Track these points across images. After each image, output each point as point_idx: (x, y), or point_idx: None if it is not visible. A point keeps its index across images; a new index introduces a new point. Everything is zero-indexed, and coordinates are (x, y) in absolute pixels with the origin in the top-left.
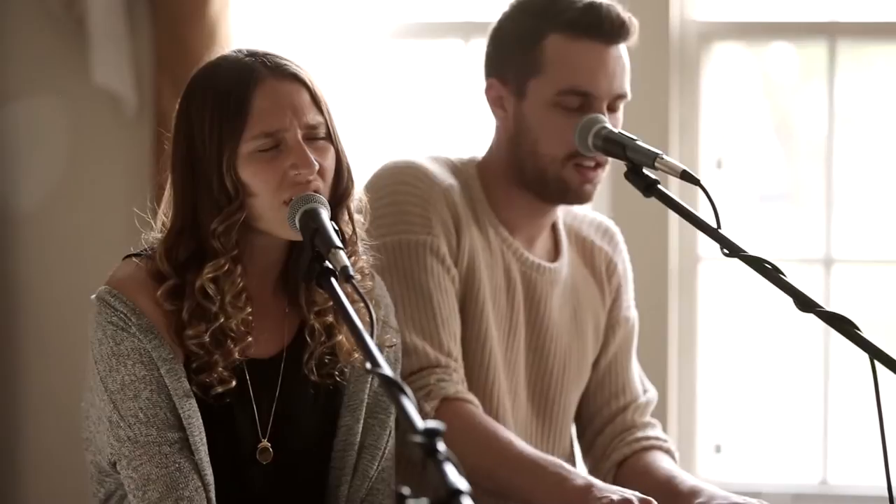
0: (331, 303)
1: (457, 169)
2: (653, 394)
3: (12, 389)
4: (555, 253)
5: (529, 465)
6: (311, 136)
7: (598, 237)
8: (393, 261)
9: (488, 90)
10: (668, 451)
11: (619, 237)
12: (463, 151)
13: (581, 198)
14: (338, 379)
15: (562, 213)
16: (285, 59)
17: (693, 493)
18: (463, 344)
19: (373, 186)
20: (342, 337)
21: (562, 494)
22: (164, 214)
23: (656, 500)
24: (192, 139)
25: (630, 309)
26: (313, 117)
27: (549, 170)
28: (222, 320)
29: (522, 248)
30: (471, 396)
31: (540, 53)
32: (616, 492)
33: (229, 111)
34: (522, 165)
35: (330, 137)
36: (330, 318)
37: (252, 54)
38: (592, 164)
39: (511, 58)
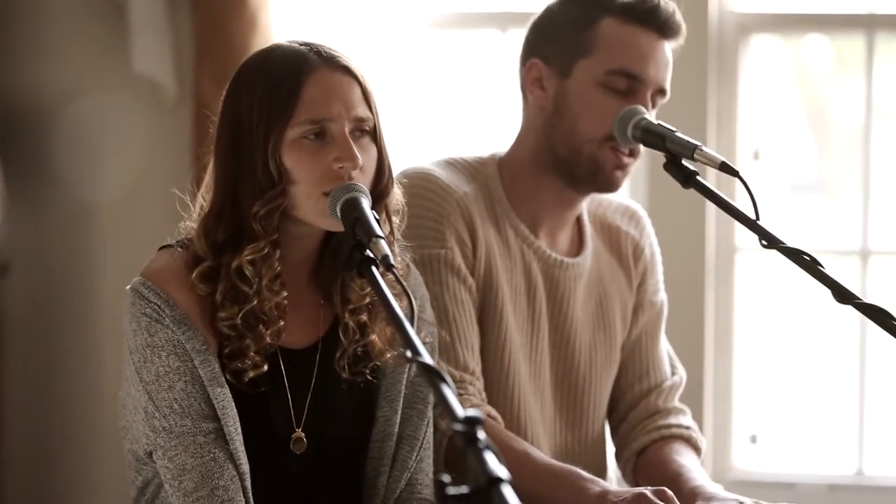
0: (365, 301)
1: (474, 170)
2: (681, 377)
3: (87, 379)
4: (579, 245)
5: (547, 474)
6: (356, 130)
7: (625, 222)
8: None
9: (528, 70)
10: (688, 440)
11: (646, 221)
12: (483, 149)
13: (611, 184)
14: (369, 377)
15: (587, 203)
16: (339, 53)
17: (693, 495)
18: (483, 351)
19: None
20: (375, 336)
21: (579, 502)
22: (202, 198)
23: None
24: (239, 122)
25: (658, 293)
26: (362, 112)
27: (584, 149)
28: (255, 303)
29: (544, 245)
30: (488, 409)
31: (593, 35)
32: (629, 493)
33: (280, 96)
34: (556, 147)
35: (375, 135)
36: (364, 317)
37: (307, 45)
38: (627, 150)
39: (559, 39)
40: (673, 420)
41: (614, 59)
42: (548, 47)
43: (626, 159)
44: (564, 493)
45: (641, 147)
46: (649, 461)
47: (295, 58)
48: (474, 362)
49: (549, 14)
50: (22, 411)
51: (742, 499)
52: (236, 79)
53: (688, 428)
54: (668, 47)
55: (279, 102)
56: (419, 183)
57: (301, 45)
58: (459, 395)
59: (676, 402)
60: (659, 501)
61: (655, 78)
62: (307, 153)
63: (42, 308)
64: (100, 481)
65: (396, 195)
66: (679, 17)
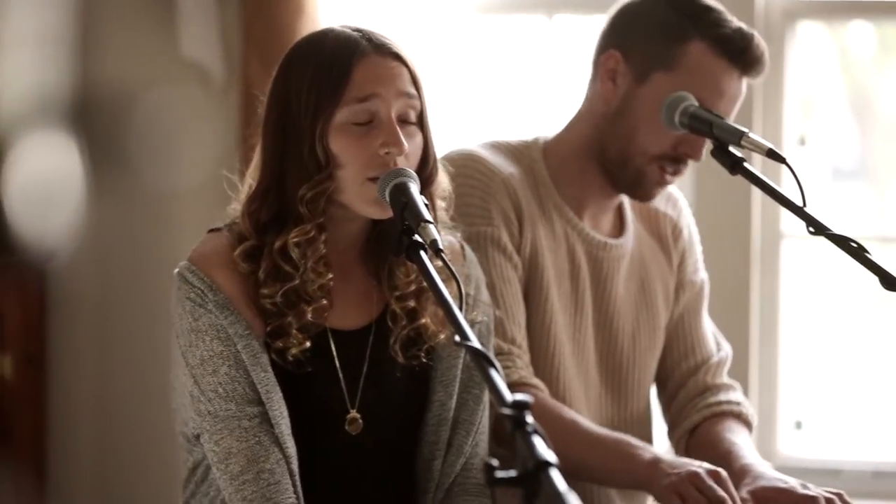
0: (411, 288)
1: (519, 153)
2: (727, 352)
3: (154, 364)
4: (620, 227)
5: (597, 443)
6: (403, 117)
7: (663, 204)
8: None
9: (606, 59)
10: (739, 416)
11: (683, 201)
12: (526, 133)
13: (648, 196)
14: (424, 360)
15: None
16: (390, 40)
17: (742, 473)
18: (527, 331)
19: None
20: (426, 320)
21: (630, 469)
22: (250, 177)
23: None
24: (287, 104)
25: (697, 272)
26: (409, 97)
27: (634, 160)
28: (297, 283)
29: (588, 227)
30: (536, 381)
31: (680, 53)
32: (684, 465)
33: (330, 79)
34: (607, 145)
35: (421, 123)
36: (412, 303)
37: (359, 30)
38: (672, 170)
39: (646, 41)
40: (723, 396)
41: (693, 86)
42: (632, 43)
43: (669, 178)
44: (615, 460)
45: (689, 166)
46: (701, 439)
47: (347, 43)
48: (521, 336)
49: (640, 10)
50: (86, 395)
51: (787, 478)
52: (287, 61)
53: (738, 404)
54: (745, 83)
55: (329, 85)
56: (465, 163)
57: (353, 30)
58: (507, 368)
59: (725, 378)
60: (712, 482)
61: (724, 113)
62: (354, 137)
63: (107, 293)
64: (157, 462)
65: (443, 182)
66: (767, 57)
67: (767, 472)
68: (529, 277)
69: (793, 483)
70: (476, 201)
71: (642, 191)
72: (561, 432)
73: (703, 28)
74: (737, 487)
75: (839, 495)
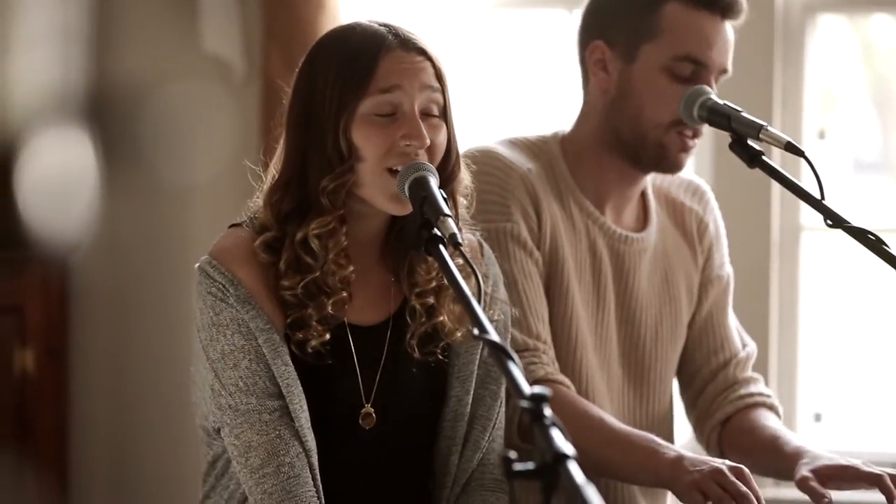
0: (431, 284)
1: (537, 149)
2: (752, 348)
3: (170, 357)
4: (644, 220)
5: (621, 440)
6: (427, 111)
7: (688, 198)
8: None
9: (591, 52)
10: (771, 407)
11: (710, 195)
12: (544, 128)
13: (676, 166)
14: (441, 357)
15: (651, 178)
16: (416, 35)
17: (798, 454)
18: (550, 326)
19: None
20: (444, 317)
21: (653, 468)
22: (273, 168)
23: (760, 459)
24: (312, 95)
25: (724, 267)
26: (433, 91)
27: (650, 135)
28: (318, 274)
29: (609, 221)
30: (561, 377)
31: (658, 20)
32: (706, 462)
33: (355, 71)
34: (620, 130)
35: (445, 118)
36: (431, 300)
37: (385, 25)
38: (691, 132)
39: (623, 22)
40: (754, 389)
41: (680, 45)
42: (611, 30)
43: (690, 142)
44: (639, 457)
45: (705, 126)
46: (738, 428)
47: (373, 37)
48: (545, 331)
49: None
50: (107, 388)
51: (845, 460)
52: (313, 53)
53: (769, 396)
54: (730, 27)
55: (354, 77)
56: (483, 160)
57: (380, 25)
58: (532, 364)
59: (751, 372)
60: (735, 479)
61: (719, 61)
62: (376, 128)
63: (127, 287)
64: (177, 456)
65: (465, 179)
66: None
67: (824, 454)
68: (550, 273)
69: (854, 461)
70: (495, 198)
71: (668, 161)
72: (586, 430)
73: None
74: (790, 469)
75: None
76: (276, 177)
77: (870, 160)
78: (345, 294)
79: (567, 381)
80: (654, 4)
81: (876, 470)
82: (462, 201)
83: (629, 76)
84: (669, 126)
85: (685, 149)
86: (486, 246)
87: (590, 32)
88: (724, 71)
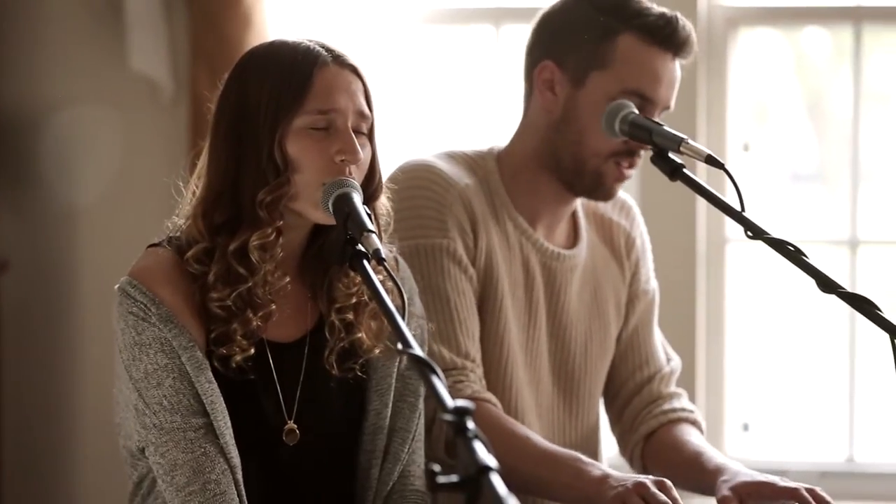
0: (351, 301)
1: (474, 164)
2: (676, 362)
3: (75, 376)
4: (574, 237)
5: (547, 458)
6: (356, 129)
7: (616, 213)
8: (409, 265)
9: (541, 71)
10: (694, 423)
11: (636, 211)
12: (481, 143)
13: (609, 195)
14: (359, 373)
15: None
16: (346, 53)
17: (718, 471)
18: (481, 341)
19: (388, 189)
20: (362, 334)
21: (579, 486)
22: (194, 184)
23: (683, 475)
24: (244, 108)
25: (649, 282)
26: (364, 111)
27: (589, 162)
28: (249, 285)
29: (542, 238)
30: (489, 395)
31: (611, 49)
32: (630, 479)
33: (291, 85)
34: (559, 153)
35: (370, 137)
36: (349, 316)
37: (315, 41)
38: (628, 163)
39: (575, 45)
40: (677, 404)
41: (631, 79)
42: (562, 51)
43: (627, 172)
44: (565, 476)
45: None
46: (661, 443)
47: (306, 52)
48: (475, 350)
49: (563, 16)
50: (16, 408)
51: (764, 474)
52: (241, 68)
53: (692, 411)
54: (679, 65)
55: (290, 91)
56: (421, 174)
57: (311, 41)
58: (460, 382)
59: (675, 388)
60: (658, 492)
61: (665, 98)
62: (312, 142)
63: (36, 306)
64: (94, 476)
65: (384, 203)
66: (693, 35)
67: (744, 470)
68: (484, 289)
69: (772, 477)
70: (432, 213)
71: (603, 190)
72: (513, 448)
73: (627, 20)
74: (712, 486)
75: (812, 490)
76: (205, 190)
77: (806, 172)
78: (273, 307)
79: (494, 398)
80: (610, 33)
81: (792, 484)
82: (381, 221)
83: (575, 101)
84: (609, 156)
85: (621, 178)
86: (401, 261)
87: (541, 50)
88: (668, 108)
